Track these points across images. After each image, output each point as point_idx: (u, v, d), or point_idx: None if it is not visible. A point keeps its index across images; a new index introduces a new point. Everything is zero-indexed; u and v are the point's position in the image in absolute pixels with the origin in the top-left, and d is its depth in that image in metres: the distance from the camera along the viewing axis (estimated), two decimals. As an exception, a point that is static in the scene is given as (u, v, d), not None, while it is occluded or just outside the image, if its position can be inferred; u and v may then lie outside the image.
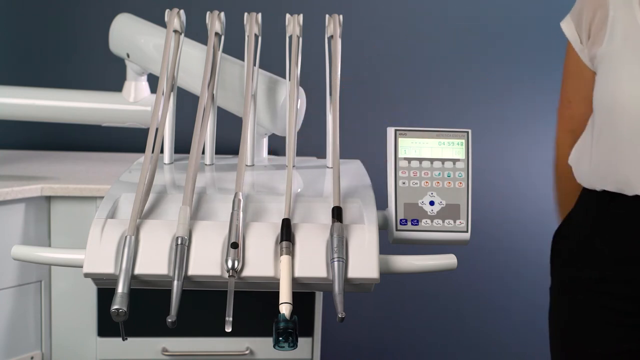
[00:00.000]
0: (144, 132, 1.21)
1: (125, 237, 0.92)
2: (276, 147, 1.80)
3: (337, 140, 1.12)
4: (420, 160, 1.05)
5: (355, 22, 2.10)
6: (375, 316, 2.23)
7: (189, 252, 0.92)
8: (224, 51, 1.28)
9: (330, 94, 1.20)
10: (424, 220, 1.03)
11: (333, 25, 1.22)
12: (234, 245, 0.91)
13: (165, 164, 1.26)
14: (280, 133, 1.31)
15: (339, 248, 0.91)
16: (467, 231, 1.04)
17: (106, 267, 0.90)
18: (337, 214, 0.96)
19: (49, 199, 1.55)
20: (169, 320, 0.85)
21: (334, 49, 1.21)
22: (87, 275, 0.91)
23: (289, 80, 1.20)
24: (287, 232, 0.93)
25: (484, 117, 2.18)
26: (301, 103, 1.32)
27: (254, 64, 1.23)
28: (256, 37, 1.25)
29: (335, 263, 0.90)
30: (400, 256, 0.97)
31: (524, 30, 2.15)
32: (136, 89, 1.66)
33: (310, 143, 1.49)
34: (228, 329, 0.85)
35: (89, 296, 1.57)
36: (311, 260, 0.92)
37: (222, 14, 1.25)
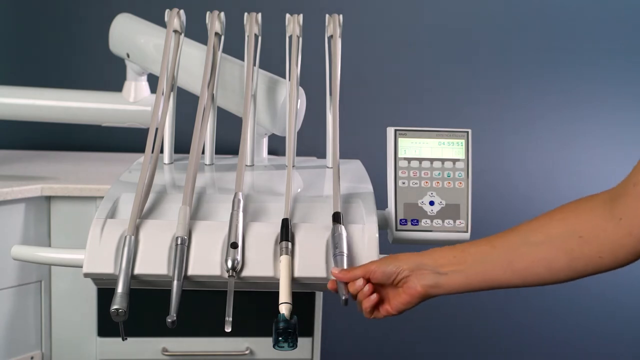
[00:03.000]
0: (144, 132, 1.21)
1: (125, 237, 0.92)
2: (276, 147, 1.80)
3: (337, 140, 1.12)
4: (420, 160, 1.05)
5: (355, 22, 2.10)
6: (375, 316, 2.23)
7: (188, 252, 0.92)
8: (224, 51, 1.28)
9: (330, 94, 1.20)
10: (423, 220, 1.03)
11: (333, 25, 1.22)
12: (234, 245, 0.91)
13: (165, 164, 1.26)
14: (280, 133, 1.31)
15: (339, 244, 0.92)
16: (467, 231, 1.04)
17: (106, 267, 0.90)
18: (336, 219, 0.95)
19: (49, 199, 1.55)
20: (169, 320, 0.85)
21: (334, 49, 1.21)
22: (87, 275, 0.91)
23: (289, 80, 1.20)
24: (286, 232, 0.93)
25: (484, 117, 2.18)
26: (301, 103, 1.32)
27: (254, 64, 1.23)
28: (256, 37, 1.25)
29: (338, 258, 0.90)
30: (400, 256, 0.97)
31: (523, 31, 2.15)
32: (136, 89, 1.66)
33: (310, 143, 1.49)
34: (228, 329, 0.85)
35: (89, 296, 1.57)
36: (311, 260, 0.92)
37: (222, 14, 1.24)
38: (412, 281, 0.85)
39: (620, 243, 0.75)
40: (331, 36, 1.22)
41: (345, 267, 0.89)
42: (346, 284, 0.87)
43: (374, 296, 0.87)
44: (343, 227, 0.94)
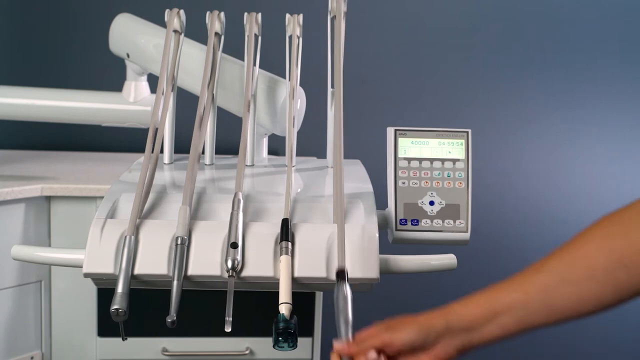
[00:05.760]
0: (144, 132, 1.21)
1: (125, 237, 0.92)
2: (276, 147, 1.80)
3: (339, 140, 1.12)
4: (420, 160, 1.05)
5: (356, 22, 2.10)
6: (375, 316, 2.23)
7: (188, 252, 0.92)
8: (224, 51, 1.28)
9: (332, 87, 1.19)
10: (423, 220, 1.03)
11: (337, 5, 1.16)
12: (234, 245, 0.91)
13: (165, 164, 1.26)
14: (280, 133, 1.31)
15: (344, 309, 0.85)
16: (467, 231, 1.04)
17: (106, 267, 0.90)
18: (341, 276, 0.89)
19: (49, 199, 1.55)
20: (169, 320, 0.85)
21: (338, 28, 1.15)
22: (87, 275, 0.91)
23: (289, 80, 1.20)
24: (286, 232, 0.93)
25: (484, 117, 2.18)
26: (301, 103, 1.32)
27: (254, 64, 1.23)
28: (256, 37, 1.25)
29: (342, 328, 0.83)
30: (400, 256, 0.97)
31: (522, 31, 2.15)
32: (136, 89, 1.66)
33: (310, 143, 1.49)
34: (228, 329, 0.85)
35: (89, 296, 1.57)
36: (311, 260, 0.92)
37: (222, 14, 1.24)
38: (442, 346, 0.78)
39: None
40: (334, 17, 1.16)
41: (350, 338, 0.81)
42: (352, 358, 0.79)
43: None
44: (348, 286, 0.86)
